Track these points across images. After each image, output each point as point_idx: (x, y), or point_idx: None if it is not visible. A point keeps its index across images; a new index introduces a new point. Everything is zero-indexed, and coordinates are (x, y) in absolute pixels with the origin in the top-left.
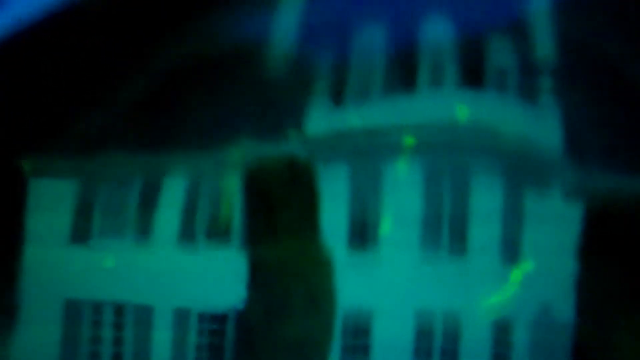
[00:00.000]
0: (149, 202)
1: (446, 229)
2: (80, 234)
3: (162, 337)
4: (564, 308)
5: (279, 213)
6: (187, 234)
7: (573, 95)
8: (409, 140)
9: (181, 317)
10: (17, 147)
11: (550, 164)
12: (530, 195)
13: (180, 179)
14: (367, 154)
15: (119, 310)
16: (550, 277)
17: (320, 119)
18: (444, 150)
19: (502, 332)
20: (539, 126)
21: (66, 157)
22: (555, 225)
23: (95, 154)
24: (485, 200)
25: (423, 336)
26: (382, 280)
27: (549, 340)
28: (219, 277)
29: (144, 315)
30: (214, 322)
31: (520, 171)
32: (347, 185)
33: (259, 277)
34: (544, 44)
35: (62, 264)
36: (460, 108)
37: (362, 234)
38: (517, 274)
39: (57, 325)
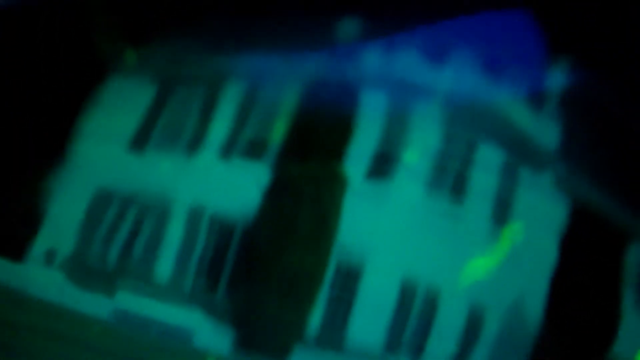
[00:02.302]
0: (205, 113)
1: (450, 180)
2: (141, 138)
3: (174, 233)
4: (535, 305)
5: (313, 138)
6: (228, 148)
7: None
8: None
9: (195, 215)
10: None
11: (546, 156)
12: (524, 177)
13: (237, 90)
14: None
15: (143, 207)
16: (528, 269)
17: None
18: (462, 119)
19: (474, 320)
20: (541, 125)
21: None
22: (541, 215)
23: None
24: (486, 167)
25: (404, 301)
26: (384, 218)
27: (515, 336)
28: (240, 188)
29: (163, 209)
30: (224, 226)
31: (520, 154)
32: (382, 117)
33: (276, 193)
34: None
35: (107, 158)
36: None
37: (382, 165)
38: (505, 238)
39: (82, 208)
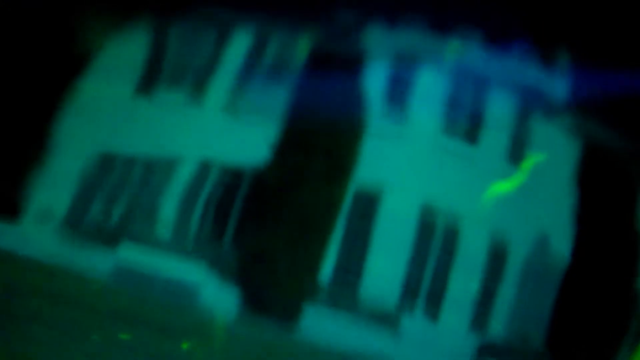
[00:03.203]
0: (210, 64)
1: (464, 118)
2: (147, 84)
3: (178, 185)
4: (560, 243)
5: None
6: (234, 103)
7: None
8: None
9: (202, 166)
10: None
11: (557, 102)
12: (536, 119)
13: (244, 42)
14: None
15: (147, 163)
16: (548, 206)
17: None
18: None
19: (497, 255)
20: (550, 77)
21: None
22: (556, 156)
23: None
24: (500, 110)
25: (425, 232)
26: (400, 153)
27: (541, 276)
28: (249, 141)
29: (169, 164)
30: (231, 173)
31: (531, 97)
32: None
33: (287, 142)
34: None
35: (111, 105)
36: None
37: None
38: (520, 173)
39: (82, 165)
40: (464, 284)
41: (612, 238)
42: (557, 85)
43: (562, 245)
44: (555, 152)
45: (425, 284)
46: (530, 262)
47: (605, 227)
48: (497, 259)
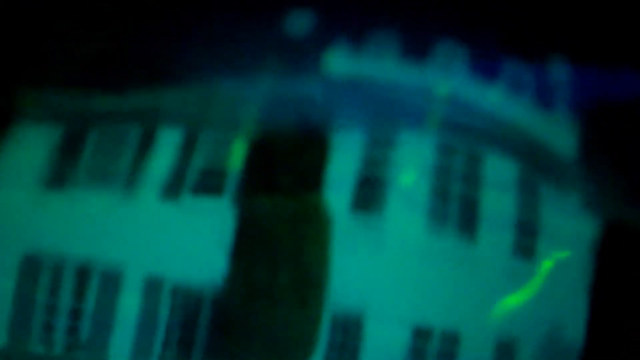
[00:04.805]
0: (141, 150)
1: (456, 205)
2: (59, 179)
3: (128, 311)
4: (575, 329)
5: (281, 167)
6: (174, 186)
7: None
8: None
9: (153, 287)
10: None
11: (566, 169)
12: (547, 198)
13: (177, 127)
14: (385, 110)
15: (82, 273)
16: (564, 291)
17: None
18: (458, 129)
19: (505, 353)
20: (554, 130)
21: (58, 94)
22: (572, 235)
23: (88, 93)
24: (499, 186)
25: (417, 351)
26: (381, 258)
27: None
28: (201, 241)
29: (111, 281)
30: (189, 297)
31: (536, 168)
32: (360, 140)
33: (246, 242)
34: None
35: (32, 210)
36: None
37: (369, 194)
38: (531, 273)
39: (11, 280)
40: None
41: (633, 317)
42: (564, 143)
43: (576, 331)
44: (568, 233)
45: None
46: (543, 350)
47: (627, 310)
48: (504, 356)
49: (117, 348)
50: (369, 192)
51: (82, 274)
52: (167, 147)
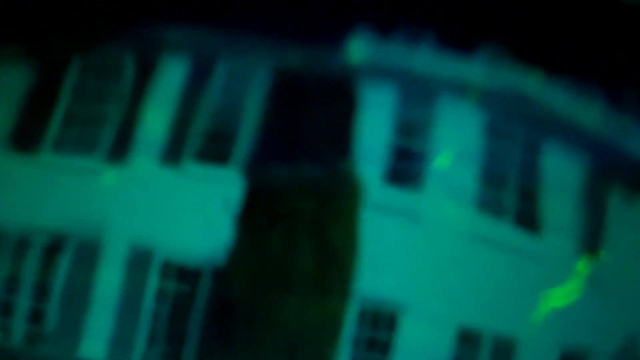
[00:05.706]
0: (131, 106)
1: (512, 197)
2: (29, 140)
3: (105, 290)
4: None
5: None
6: (173, 150)
7: None
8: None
9: (138, 262)
10: None
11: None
12: (615, 198)
13: (178, 70)
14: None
15: (53, 246)
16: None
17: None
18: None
19: None
20: (623, 129)
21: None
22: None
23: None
24: (561, 182)
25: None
26: (422, 251)
27: None
28: (201, 215)
29: (87, 254)
30: (182, 278)
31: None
32: (397, 101)
33: (254, 217)
34: None
35: None
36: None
37: (407, 166)
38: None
39: None
40: None
41: None
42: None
43: None
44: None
45: None
46: None
47: None
48: None
49: (90, 340)
50: (407, 165)
51: (52, 245)
52: (166, 93)
